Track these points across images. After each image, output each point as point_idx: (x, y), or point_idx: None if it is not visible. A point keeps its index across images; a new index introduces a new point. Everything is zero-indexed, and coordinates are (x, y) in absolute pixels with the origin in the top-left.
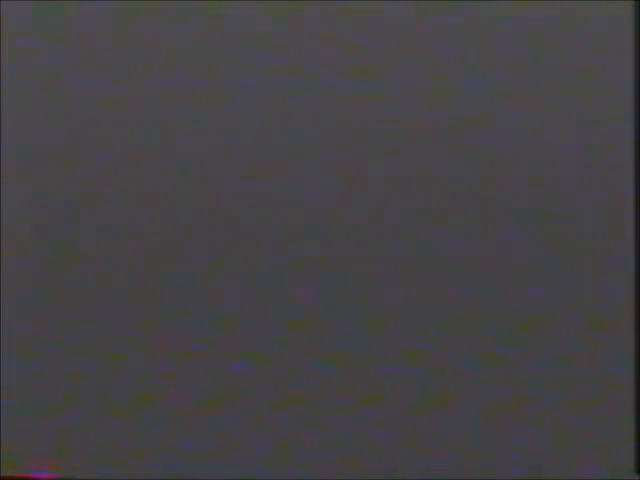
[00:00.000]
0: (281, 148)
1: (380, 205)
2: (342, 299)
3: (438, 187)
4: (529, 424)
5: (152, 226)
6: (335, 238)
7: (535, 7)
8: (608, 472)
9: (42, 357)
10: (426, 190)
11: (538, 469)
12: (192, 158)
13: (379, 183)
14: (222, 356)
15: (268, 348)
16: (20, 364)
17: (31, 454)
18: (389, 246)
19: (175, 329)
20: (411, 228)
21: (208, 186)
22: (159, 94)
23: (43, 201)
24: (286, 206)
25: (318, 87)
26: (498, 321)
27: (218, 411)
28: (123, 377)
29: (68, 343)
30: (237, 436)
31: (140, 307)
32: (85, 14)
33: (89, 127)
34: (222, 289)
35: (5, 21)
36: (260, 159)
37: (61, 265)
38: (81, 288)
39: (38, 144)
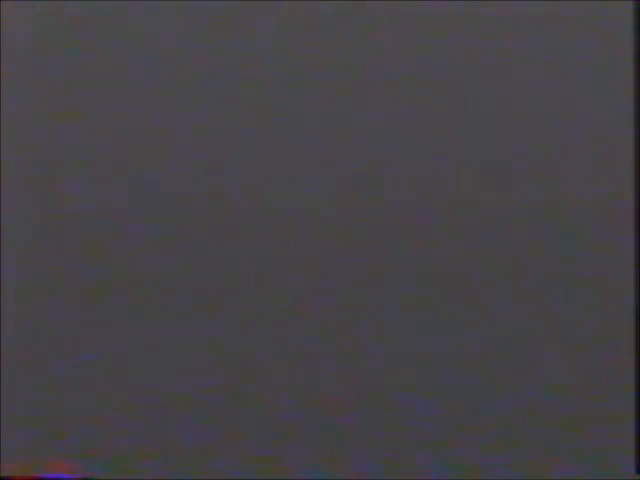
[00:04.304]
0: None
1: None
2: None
3: (436, 189)
4: (530, 424)
5: (154, 228)
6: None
7: (535, 7)
8: (608, 472)
9: (43, 358)
10: (424, 192)
11: (538, 469)
12: (193, 162)
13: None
14: (224, 357)
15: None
16: (21, 364)
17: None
18: (392, 253)
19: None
20: (407, 233)
21: (210, 188)
22: (160, 99)
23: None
24: (288, 211)
25: (321, 88)
26: (498, 322)
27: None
28: (124, 377)
29: (69, 345)
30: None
31: (142, 308)
32: (85, 14)
33: (88, 133)
34: (223, 290)
35: (5, 21)
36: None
37: (61, 269)
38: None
39: (38, 149)
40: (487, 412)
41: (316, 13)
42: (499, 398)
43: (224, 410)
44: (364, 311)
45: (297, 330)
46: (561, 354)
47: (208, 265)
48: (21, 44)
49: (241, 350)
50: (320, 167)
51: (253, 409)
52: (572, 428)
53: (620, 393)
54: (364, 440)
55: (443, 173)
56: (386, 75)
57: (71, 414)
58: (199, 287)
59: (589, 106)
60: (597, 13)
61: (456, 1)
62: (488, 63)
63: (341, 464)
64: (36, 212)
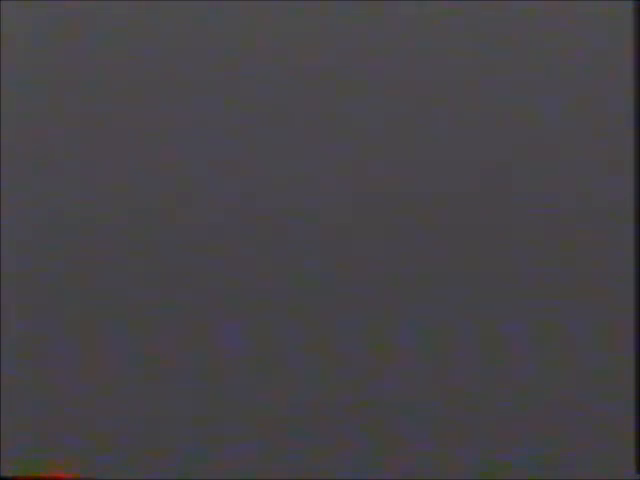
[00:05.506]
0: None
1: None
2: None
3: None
4: (530, 424)
5: (155, 232)
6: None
7: (535, 7)
8: (608, 472)
9: (42, 359)
10: (424, 192)
11: (538, 469)
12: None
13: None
14: (224, 357)
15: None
16: (21, 365)
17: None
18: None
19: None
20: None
21: (208, 190)
22: (161, 99)
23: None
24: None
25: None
26: (498, 322)
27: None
28: (124, 377)
29: (69, 346)
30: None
31: (143, 308)
32: (85, 13)
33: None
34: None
35: (5, 21)
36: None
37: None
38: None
39: (38, 149)
40: (486, 412)
41: (316, 13)
42: (498, 398)
43: (224, 411)
44: (363, 312)
45: (297, 330)
46: (561, 354)
47: (208, 265)
48: (21, 44)
49: (241, 351)
50: (319, 167)
51: (253, 410)
52: (572, 428)
53: (620, 393)
54: (363, 440)
55: (442, 173)
56: (386, 74)
57: (71, 415)
58: (199, 287)
59: (589, 106)
60: (597, 13)
61: (455, 1)
62: (488, 63)
63: (341, 465)
64: (36, 212)
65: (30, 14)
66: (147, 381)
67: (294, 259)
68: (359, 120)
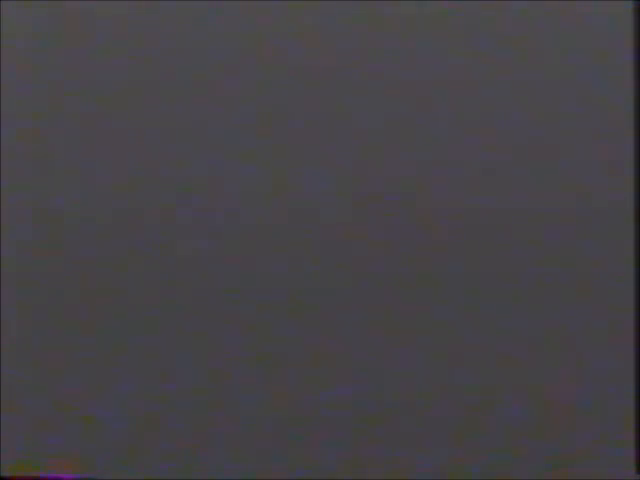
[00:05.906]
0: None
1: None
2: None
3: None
4: (528, 423)
5: (154, 233)
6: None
7: (535, 7)
8: (608, 472)
9: (42, 359)
10: (423, 193)
11: (537, 469)
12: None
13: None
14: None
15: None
16: (20, 364)
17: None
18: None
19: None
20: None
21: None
22: (161, 99)
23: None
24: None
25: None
26: (497, 322)
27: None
28: (124, 377)
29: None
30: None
31: (143, 308)
32: (85, 13)
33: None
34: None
35: (5, 21)
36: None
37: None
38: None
39: (37, 147)
40: (485, 412)
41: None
42: (496, 398)
43: (225, 410)
44: (364, 312)
45: (296, 330)
46: (561, 354)
47: (208, 266)
48: (21, 44)
49: (242, 351)
50: (319, 167)
51: (254, 409)
52: (572, 428)
53: (620, 393)
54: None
55: (442, 173)
56: (385, 75)
57: (71, 414)
58: (199, 288)
59: (588, 106)
60: (597, 13)
61: (454, 1)
62: (486, 63)
63: (341, 465)
64: (36, 212)
65: (30, 14)
66: (147, 381)
67: (294, 259)
68: (359, 120)
